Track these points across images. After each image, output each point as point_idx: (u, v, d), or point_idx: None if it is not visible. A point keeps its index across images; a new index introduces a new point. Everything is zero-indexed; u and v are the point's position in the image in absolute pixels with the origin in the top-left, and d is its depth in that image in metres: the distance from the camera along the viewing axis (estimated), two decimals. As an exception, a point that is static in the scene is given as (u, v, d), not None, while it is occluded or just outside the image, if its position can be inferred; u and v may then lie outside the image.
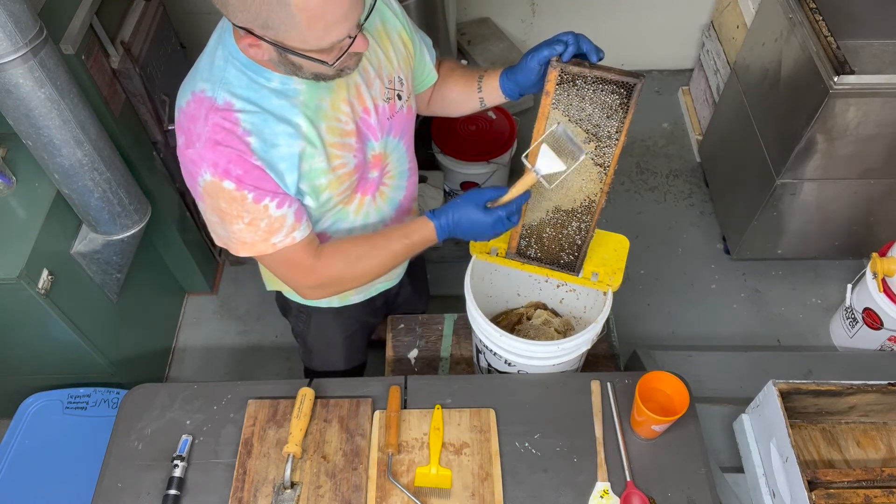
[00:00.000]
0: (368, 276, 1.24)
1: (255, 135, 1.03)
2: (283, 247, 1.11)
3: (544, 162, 1.13)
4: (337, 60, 0.97)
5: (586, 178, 1.20)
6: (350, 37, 0.95)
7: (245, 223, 1.08)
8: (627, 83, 1.07)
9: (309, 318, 1.53)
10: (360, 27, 0.96)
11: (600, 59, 1.07)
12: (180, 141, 1.06)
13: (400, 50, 1.19)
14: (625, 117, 1.10)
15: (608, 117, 1.11)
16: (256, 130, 1.03)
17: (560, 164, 1.12)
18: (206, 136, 1.02)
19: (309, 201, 1.14)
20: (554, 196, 1.25)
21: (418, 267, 1.73)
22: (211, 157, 1.02)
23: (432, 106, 1.38)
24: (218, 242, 1.16)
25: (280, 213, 1.08)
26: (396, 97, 1.19)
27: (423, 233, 1.20)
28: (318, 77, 1.02)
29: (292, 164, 1.07)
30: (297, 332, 1.61)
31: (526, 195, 1.18)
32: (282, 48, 0.94)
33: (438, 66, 1.33)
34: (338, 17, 0.91)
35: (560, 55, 1.08)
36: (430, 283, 1.91)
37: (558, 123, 1.14)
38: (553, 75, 1.09)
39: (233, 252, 1.13)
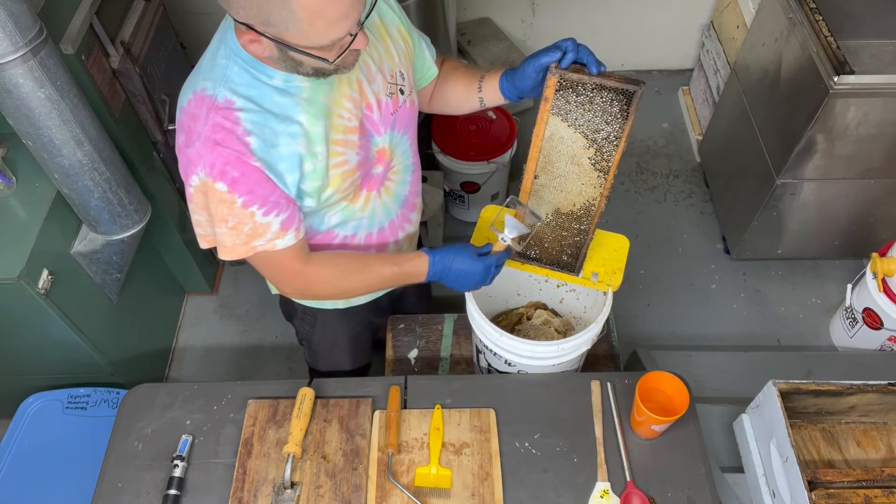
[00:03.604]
0: (352, 292, 1.29)
1: (255, 135, 1.03)
2: (262, 250, 1.12)
3: (509, 228, 1.24)
4: (338, 58, 0.97)
5: (586, 183, 1.19)
6: (351, 34, 0.95)
7: (228, 227, 1.08)
8: (627, 90, 1.06)
9: (315, 320, 1.52)
10: (360, 25, 0.96)
11: (601, 73, 1.07)
12: (180, 139, 1.06)
13: (399, 44, 1.19)
14: (625, 123, 1.10)
15: (608, 123, 1.11)
16: (257, 130, 1.03)
17: (524, 228, 1.24)
18: (206, 135, 1.01)
19: (310, 202, 1.13)
20: (554, 199, 1.24)
21: None
22: (209, 156, 1.02)
23: (433, 104, 1.38)
24: (203, 245, 1.17)
25: (265, 220, 1.08)
26: (399, 92, 1.19)
27: (415, 264, 1.24)
28: (318, 73, 1.02)
29: (293, 164, 1.07)
30: (302, 334, 1.60)
31: (507, 253, 1.27)
32: (283, 45, 0.94)
33: (441, 63, 1.33)
34: (338, 14, 0.91)
35: (559, 61, 1.08)
36: (430, 283, 1.91)
37: (510, 196, 1.26)
38: (552, 81, 1.08)
39: (219, 255, 1.13)
